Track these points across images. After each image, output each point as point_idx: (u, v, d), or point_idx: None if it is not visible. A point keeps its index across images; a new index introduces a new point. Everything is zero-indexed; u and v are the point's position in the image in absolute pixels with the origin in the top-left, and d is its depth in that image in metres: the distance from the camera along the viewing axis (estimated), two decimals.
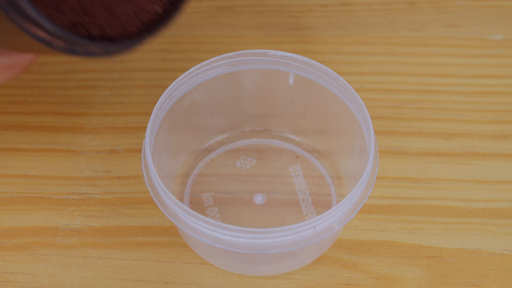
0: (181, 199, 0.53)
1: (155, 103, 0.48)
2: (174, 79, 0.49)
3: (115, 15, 0.37)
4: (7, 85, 0.60)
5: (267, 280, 0.49)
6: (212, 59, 0.50)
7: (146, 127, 0.48)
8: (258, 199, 0.52)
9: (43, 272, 0.50)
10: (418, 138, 0.56)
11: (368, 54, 0.62)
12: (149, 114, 0.48)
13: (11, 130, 0.57)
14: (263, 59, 0.50)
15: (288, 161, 0.54)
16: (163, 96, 0.48)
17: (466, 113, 0.58)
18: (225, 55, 0.50)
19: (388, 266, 0.50)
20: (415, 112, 0.58)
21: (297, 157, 0.54)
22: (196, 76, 0.50)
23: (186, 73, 0.49)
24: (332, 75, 0.49)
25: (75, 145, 0.56)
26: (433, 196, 0.53)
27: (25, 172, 0.55)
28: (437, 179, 0.54)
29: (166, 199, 0.44)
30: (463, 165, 0.55)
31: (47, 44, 0.34)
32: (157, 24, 0.38)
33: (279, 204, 0.52)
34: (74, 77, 0.60)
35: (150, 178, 0.45)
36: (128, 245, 0.51)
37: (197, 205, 0.52)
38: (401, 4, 0.65)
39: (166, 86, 0.49)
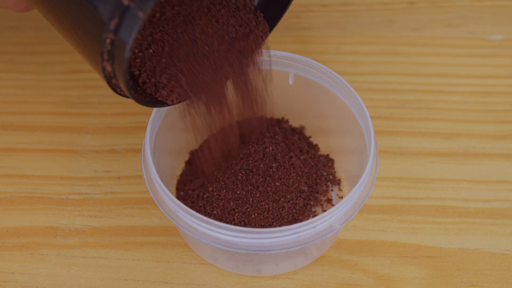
0: None
1: None
2: None
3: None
4: (7, 85, 0.60)
5: (267, 280, 0.49)
6: None
7: (146, 127, 0.48)
8: None
9: (43, 272, 0.50)
10: (418, 138, 0.56)
11: (368, 54, 0.62)
12: (149, 114, 0.48)
13: (11, 130, 0.57)
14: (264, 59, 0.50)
15: None
16: None
17: (466, 113, 0.58)
18: None
19: (388, 266, 0.50)
20: (415, 112, 0.58)
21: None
22: None
23: None
24: (332, 75, 0.49)
25: (75, 145, 0.56)
26: (433, 196, 0.53)
27: (25, 172, 0.55)
28: (437, 179, 0.54)
29: (166, 199, 0.44)
30: (463, 165, 0.55)
31: (110, 84, 0.41)
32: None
33: None
34: (74, 77, 0.60)
35: (150, 178, 0.45)
36: (128, 245, 0.51)
37: None
38: (401, 4, 0.65)
39: None
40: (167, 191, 0.44)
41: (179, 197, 0.51)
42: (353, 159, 0.51)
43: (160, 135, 0.49)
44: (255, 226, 0.48)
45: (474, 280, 0.49)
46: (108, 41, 0.38)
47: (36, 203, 0.53)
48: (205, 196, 0.49)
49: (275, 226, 0.48)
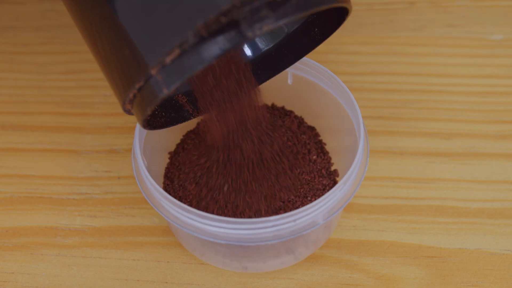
0: None
1: None
2: None
3: None
4: (7, 85, 0.60)
5: (267, 280, 0.49)
6: None
7: None
8: None
9: (43, 272, 0.50)
10: (418, 138, 0.56)
11: (368, 54, 0.62)
12: None
13: (11, 130, 0.57)
14: None
15: None
16: None
17: (466, 113, 0.58)
18: None
19: (388, 266, 0.50)
20: (415, 112, 0.58)
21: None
22: None
23: None
24: (327, 74, 0.49)
25: (75, 145, 0.56)
26: (433, 196, 0.53)
27: (25, 172, 0.55)
28: (437, 179, 0.54)
29: (151, 188, 0.44)
30: (463, 165, 0.55)
31: (128, 113, 0.42)
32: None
33: None
34: (74, 77, 0.60)
35: (138, 170, 0.45)
36: (128, 245, 0.51)
37: None
38: (401, 4, 0.65)
39: None
40: (153, 182, 0.44)
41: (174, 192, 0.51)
42: (347, 158, 0.51)
43: (154, 134, 0.49)
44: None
45: (474, 280, 0.49)
46: (131, 94, 0.39)
47: (36, 203, 0.53)
48: (202, 192, 0.49)
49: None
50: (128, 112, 0.41)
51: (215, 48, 0.36)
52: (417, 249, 0.50)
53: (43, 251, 0.51)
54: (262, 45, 0.48)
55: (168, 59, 0.36)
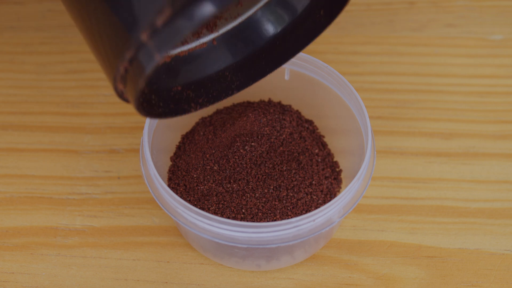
0: None
1: None
2: None
3: None
4: (7, 85, 0.60)
5: (267, 280, 0.49)
6: None
7: None
8: None
9: (43, 272, 0.50)
10: (418, 138, 0.56)
11: (368, 54, 0.62)
12: None
13: (11, 130, 0.57)
14: None
15: None
16: None
17: (466, 113, 0.58)
18: None
19: (388, 266, 0.50)
20: (415, 112, 0.58)
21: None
22: None
23: None
24: (327, 70, 0.49)
25: (75, 145, 0.56)
26: (433, 196, 0.53)
27: (25, 172, 0.55)
28: (437, 179, 0.54)
29: (165, 195, 0.44)
30: (463, 165, 0.55)
31: (122, 98, 0.41)
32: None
33: None
34: (74, 77, 0.60)
35: (149, 174, 0.45)
36: (128, 245, 0.51)
37: None
38: (401, 4, 0.65)
39: None
40: (167, 187, 0.44)
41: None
42: (352, 156, 0.51)
43: (157, 133, 0.49)
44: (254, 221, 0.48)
45: (474, 280, 0.49)
46: (122, 68, 0.37)
47: (36, 203, 0.53)
48: (203, 192, 0.49)
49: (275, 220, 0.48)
50: (121, 94, 0.39)
51: (207, 7, 0.34)
52: (417, 249, 0.50)
53: (43, 251, 0.51)
54: (267, 32, 0.47)
55: (159, 21, 0.34)
